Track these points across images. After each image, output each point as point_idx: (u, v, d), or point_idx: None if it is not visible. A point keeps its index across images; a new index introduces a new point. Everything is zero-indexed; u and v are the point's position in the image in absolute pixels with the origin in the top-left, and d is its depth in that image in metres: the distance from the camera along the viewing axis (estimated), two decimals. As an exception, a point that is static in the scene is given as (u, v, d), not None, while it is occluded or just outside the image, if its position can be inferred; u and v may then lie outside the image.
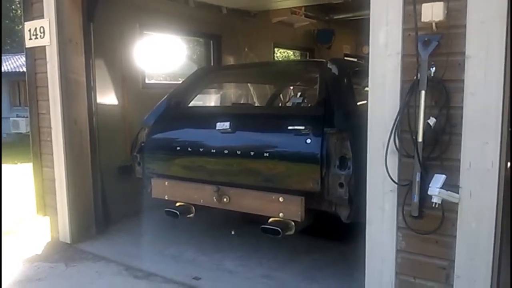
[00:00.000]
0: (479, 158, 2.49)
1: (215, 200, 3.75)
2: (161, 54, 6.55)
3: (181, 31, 6.35)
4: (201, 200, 3.93)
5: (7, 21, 24.77)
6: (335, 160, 3.30)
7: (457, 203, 2.57)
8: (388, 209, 2.83)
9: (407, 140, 2.69)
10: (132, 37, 5.59)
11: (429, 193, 2.56)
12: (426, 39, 2.60)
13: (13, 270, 4.15)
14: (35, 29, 4.69)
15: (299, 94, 5.11)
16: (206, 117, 4.16)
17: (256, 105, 5.02)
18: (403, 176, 2.75)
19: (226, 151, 3.75)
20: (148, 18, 5.71)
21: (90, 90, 4.83)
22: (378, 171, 2.80)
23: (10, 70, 18.32)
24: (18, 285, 3.86)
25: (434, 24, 2.58)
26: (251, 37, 7.16)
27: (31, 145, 5.01)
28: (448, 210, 2.61)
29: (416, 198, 2.65)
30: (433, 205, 2.57)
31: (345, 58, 8.74)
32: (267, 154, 3.52)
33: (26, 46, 4.86)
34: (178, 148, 4.05)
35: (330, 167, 3.31)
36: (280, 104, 5.48)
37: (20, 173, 8.87)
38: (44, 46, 4.65)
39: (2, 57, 20.61)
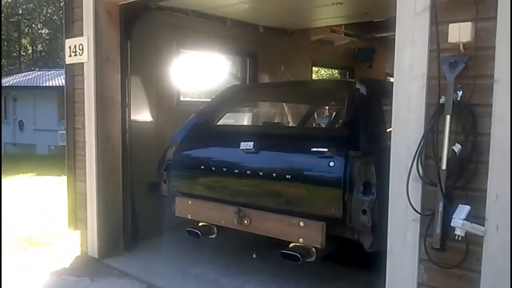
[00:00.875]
0: (507, 189, 2.31)
1: (235, 221, 3.68)
2: (197, 72, 6.61)
3: (217, 49, 6.40)
4: (222, 221, 3.86)
5: (59, 40, 26.08)
6: (358, 185, 3.16)
7: (482, 236, 2.39)
8: (410, 240, 2.68)
9: (431, 167, 2.54)
10: (168, 55, 5.68)
11: (452, 224, 2.40)
12: (452, 60, 2.47)
13: (40, 282, 4.25)
14: (75, 46, 4.85)
15: (326, 114, 4.99)
16: (232, 136, 4.11)
17: (287, 125, 4.94)
18: (426, 205, 2.60)
19: (248, 172, 3.69)
20: (185, 36, 5.80)
21: (125, 107, 4.92)
22: (401, 199, 2.65)
23: (60, 85, 19.15)
24: (43, 297, 3.94)
25: (461, 45, 2.45)
26: (288, 55, 7.10)
27: (66, 158, 5.15)
28: (472, 243, 2.43)
29: (438, 229, 2.49)
30: (456, 238, 2.40)
31: (387, 77, 8.52)
32: (289, 176, 3.44)
33: (66, 63, 5.04)
34: (202, 167, 4.03)
35: (353, 192, 3.17)
36: (306, 125, 5.37)
37: (62, 185, 9.15)
38: (82, 63, 4.79)
39: (53, 72, 21.66)
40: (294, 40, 7.16)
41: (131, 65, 4.98)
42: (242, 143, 3.70)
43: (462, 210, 2.40)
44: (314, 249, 3.35)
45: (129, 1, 4.70)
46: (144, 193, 5.23)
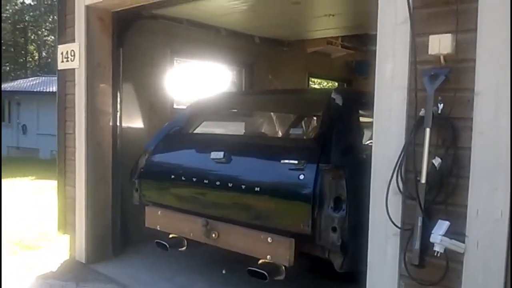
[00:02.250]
0: (488, 205, 2.25)
1: (203, 235, 3.56)
2: (191, 80, 6.59)
3: (212, 58, 6.37)
4: (191, 234, 3.74)
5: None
6: (329, 200, 2.99)
7: (463, 253, 2.33)
8: (390, 255, 2.62)
9: (411, 181, 2.49)
10: (162, 63, 5.67)
11: (431, 240, 2.35)
12: (432, 73, 2.43)
13: (26, 285, 4.21)
14: (67, 52, 4.86)
15: (299, 124, 4.88)
16: (203, 145, 3.97)
17: (260, 134, 4.82)
18: (407, 219, 2.54)
19: (218, 183, 3.54)
20: (179, 44, 5.80)
21: (116, 113, 4.91)
22: (381, 212, 2.59)
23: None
24: (26, 302, 3.90)
25: (442, 57, 2.41)
26: (285, 66, 7.08)
27: (57, 163, 5.14)
28: (452, 260, 2.37)
29: (417, 245, 2.43)
30: (436, 254, 2.35)
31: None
32: (258, 189, 3.26)
33: (58, 68, 5.05)
34: (173, 176, 3.90)
35: (323, 208, 3.00)
36: (280, 135, 5.26)
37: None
38: (74, 69, 4.80)
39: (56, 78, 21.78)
40: (290, 52, 7.15)
41: (123, 72, 4.97)
42: (212, 153, 3.58)
43: (442, 226, 2.35)
44: (283, 267, 3.20)
45: (121, 9, 4.71)
46: (134, 200, 5.20)
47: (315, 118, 4.63)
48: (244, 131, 5.27)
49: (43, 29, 35.33)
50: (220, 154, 3.50)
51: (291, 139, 4.10)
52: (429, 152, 2.41)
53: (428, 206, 2.43)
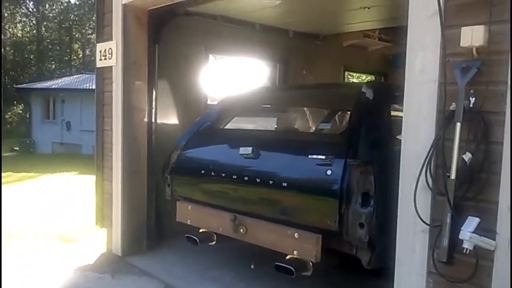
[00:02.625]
0: (520, 201, 2.17)
1: (231, 230, 3.59)
2: (225, 76, 6.64)
3: (246, 53, 6.40)
4: (220, 229, 3.78)
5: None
6: (356, 196, 2.95)
7: (494, 251, 2.26)
8: (419, 251, 2.57)
9: (441, 177, 2.43)
10: (196, 60, 5.75)
11: (460, 237, 2.28)
12: (464, 65, 2.36)
13: (64, 277, 4.40)
14: (105, 50, 5.01)
15: (329, 119, 4.79)
16: (233, 141, 3.97)
17: (289, 129, 4.77)
18: (436, 216, 2.49)
19: (246, 178, 3.55)
20: (213, 41, 5.85)
21: (151, 110, 5.03)
22: (410, 209, 2.55)
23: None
24: (64, 292, 4.08)
25: (474, 50, 2.34)
26: (320, 60, 7.03)
27: (95, 158, 5.32)
28: (482, 258, 2.30)
29: (445, 242, 2.37)
30: (465, 251, 2.28)
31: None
32: (285, 184, 3.26)
33: (97, 66, 5.22)
34: (203, 171, 3.93)
35: (351, 204, 2.96)
36: (309, 130, 5.18)
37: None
38: (111, 67, 4.94)
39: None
40: (325, 45, 7.08)
41: (159, 69, 5.08)
42: (241, 148, 3.59)
43: (471, 223, 2.28)
44: (311, 263, 3.18)
45: (157, 7, 4.81)
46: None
47: (346, 112, 4.55)
48: (273, 126, 5.26)
49: (87, 28, 36.45)
50: (248, 150, 3.51)
51: (320, 134, 4.06)
52: (460, 147, 2.34)
53: (458, 203, 2.36)
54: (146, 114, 4.99)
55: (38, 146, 22.39)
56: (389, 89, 3.79)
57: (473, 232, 2.25)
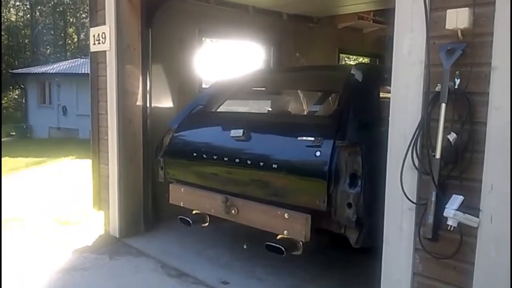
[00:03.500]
0: (502, 180, 2.24)
1: (223, 211, 3.66)
2: (219, 59, 6.66)
3: (240, 36, 6.42)
4: (212, 210, 3.85)
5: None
6: (345, 177, 3.02)
7: (477, 228, 2.34)
8: (406, 229, 2.65)
9: (427, 156, 2.50)
10: (190, 43, 5.77)
11: (444, 214, 2.36)
12: (449, 48, 2.41)
13: (62, 259, 4.48)
14: (98, 35, 5.02)
15: (318, 102, 4.83)
16: (224, 123, 4.02)
17: (279, 112, 4.82)
18: (423, 194, 2.56)
19: (237, 160, 3.61)
20: (207, 24, 5.86)
21: (146, 93, 5.06)
22: (397, 188, 2.62)
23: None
24: (63, 273, 4.16)
25: (459, 32, 2.38)
26: (314, 43, 7.04)
27: (91, 142, 5.37)
28: (466, 235, 2.38)
29: (430, 219, 2.45)
30: (449, 228, 2.36)
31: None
32: (276, 166, 3.31)
33: (91, 51, 5.23)
34: (195, 154, 3.98)
35: (339, 184, 3.03)
36: (299, 112, 5.22)
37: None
38: (105, 51, 4.96)
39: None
40: (319, 28, 7.09)
41: (153, 53, 5.10)
42: (232, 131, 3.64)
43: (455, 200, 2.36)
44: (301, 242, 3.27)
45: (149, -10, 4.81)
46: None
47: (337, 94, 4.60)
48: (265, 109, 5.31)
49: (81, 12, 36.10)
50: (239, 132, 3.56)
51: (309, 116, 4.12)
52: (445, 128, 2.41)
53: (443, 181, 2.44)
54: (141, 98, 5.03)
55: (34, 131, 22.43)
56: (378, 71, 3.83)
57: (457, 210, 2.32)
